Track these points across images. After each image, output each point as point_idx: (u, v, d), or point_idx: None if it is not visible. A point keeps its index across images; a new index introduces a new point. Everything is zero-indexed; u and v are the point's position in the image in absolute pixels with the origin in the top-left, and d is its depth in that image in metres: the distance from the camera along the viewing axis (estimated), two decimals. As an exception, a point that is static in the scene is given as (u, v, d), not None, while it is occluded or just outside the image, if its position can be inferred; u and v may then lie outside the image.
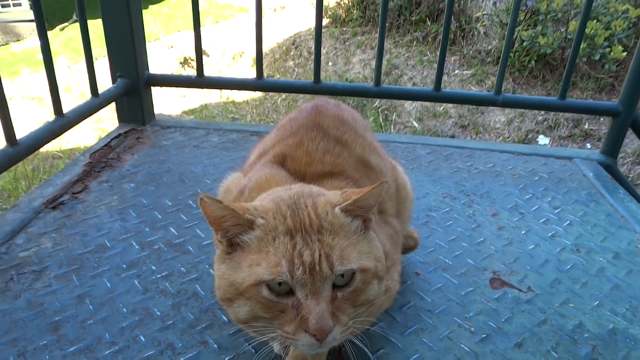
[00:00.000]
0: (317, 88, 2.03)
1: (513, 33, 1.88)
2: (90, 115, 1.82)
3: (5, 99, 1.39)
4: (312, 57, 6.91)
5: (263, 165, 0.97)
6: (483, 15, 5.95)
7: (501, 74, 1.93)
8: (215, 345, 1.02)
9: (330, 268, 0.72)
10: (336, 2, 7.26)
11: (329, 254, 0.73)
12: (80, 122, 1.73)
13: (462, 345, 1.04)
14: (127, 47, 1.94)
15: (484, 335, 1.07)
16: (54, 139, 1.62)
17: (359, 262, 0.75)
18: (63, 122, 1.64)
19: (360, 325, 0.81)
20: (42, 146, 1.57)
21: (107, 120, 5.13)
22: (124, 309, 1.11)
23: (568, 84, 1.92)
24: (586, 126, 4.79)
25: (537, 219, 1.53)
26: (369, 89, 2.04)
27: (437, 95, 2.00)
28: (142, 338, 1.03)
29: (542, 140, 4.86)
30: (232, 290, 0.76)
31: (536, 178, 1.79)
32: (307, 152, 0.96)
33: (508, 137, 4.96)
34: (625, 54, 4.52)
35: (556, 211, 1.58)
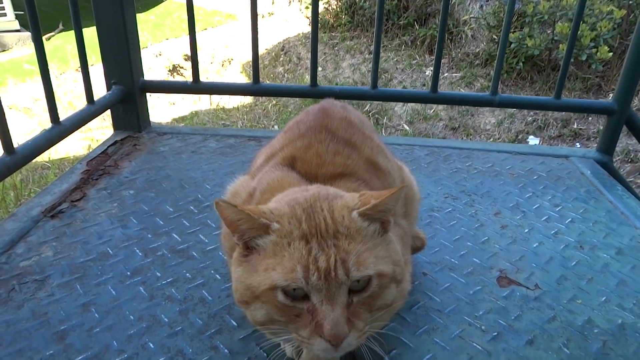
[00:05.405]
0: (313, 92, 2.02)
1: (508, 36, 1.90)
2: (87, 123, 1.80)
3: (2, 107, 1.36)
4: (302, 62, 6.96)
5: (273, 168, 0.96)
6: (470, 18, 6.02)
7: (497, 75, 1.94)
8: (226, 350, 1.01)
9: (346, 274, 0.71)
10: (324, 7, 7.29)
11: (345, 260, 0.72)
12: (76, 129, 1.71)
13: (474, 344, 1.04)
14: (122, 53, 1.92)
15: (495, 334, 1.07)
16: (50, 147, 1.60)
17: (376, 267, 0.74)
18: (60, 130, 1.62)
19: (375, 324, 0.81)
20: (39, 154, 1.54)
21: (96, 130, 5.08)
22: (131, 316, 1.09)
23: (563, 83, 1.94)
24: (575, 126, 4.85)
25: (539, 217, 1.54)
26: (366, 91, 2.04)
27: (434, 97, 2.01)
28: (150, 345, 1.02)
29: (532, 140, 4.91)
30: (249, 293, 0.76)
31: (535, 177, 1.80)
32: (317, 153, 0.95)
33: (499, 138, 5.00)
34: (611, 54, 4.59)
35: (557, 209, 1.59)
